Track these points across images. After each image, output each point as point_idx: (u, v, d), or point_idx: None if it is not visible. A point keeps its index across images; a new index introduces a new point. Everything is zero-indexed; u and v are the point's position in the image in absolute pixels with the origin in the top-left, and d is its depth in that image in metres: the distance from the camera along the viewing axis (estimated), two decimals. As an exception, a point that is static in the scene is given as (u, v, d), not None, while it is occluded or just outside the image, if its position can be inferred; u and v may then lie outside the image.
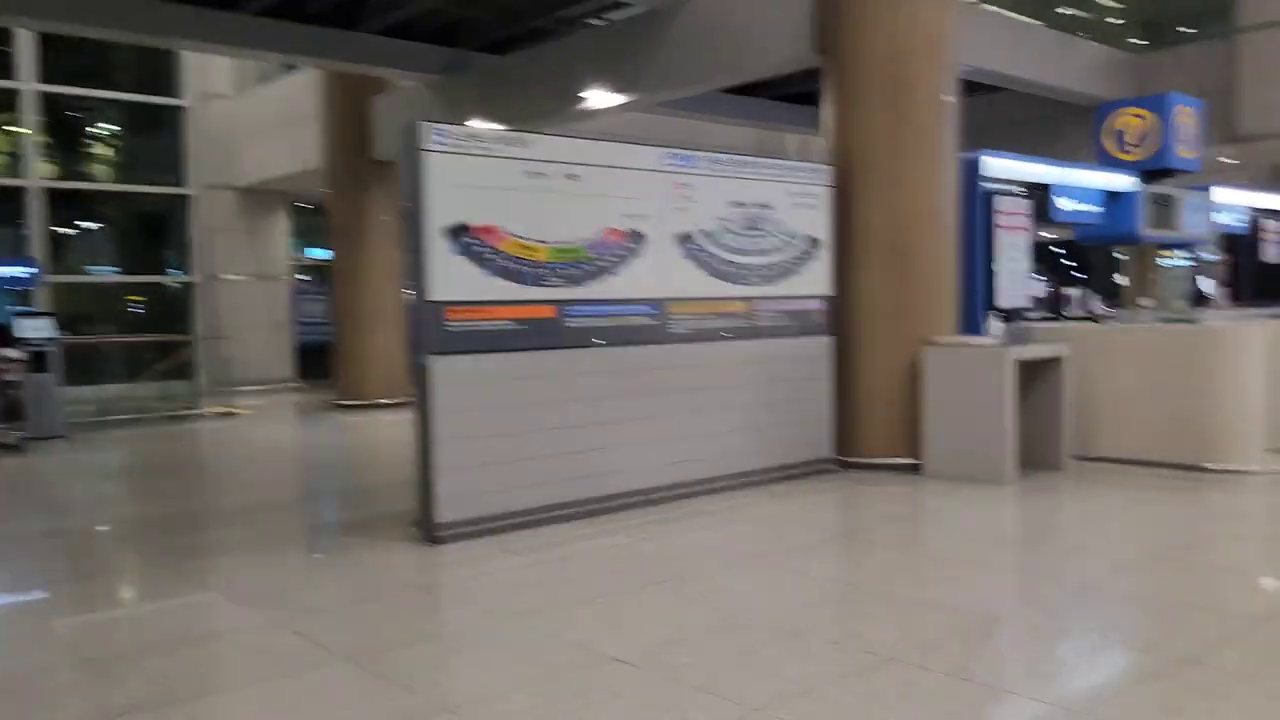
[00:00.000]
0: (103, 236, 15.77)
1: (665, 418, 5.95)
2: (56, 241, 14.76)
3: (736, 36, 8.20)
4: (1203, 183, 10.07)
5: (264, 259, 15.74)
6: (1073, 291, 9.08)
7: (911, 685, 3.10)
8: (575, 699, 3.05)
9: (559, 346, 5.49)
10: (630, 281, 5.77)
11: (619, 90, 9.17)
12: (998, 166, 7.64)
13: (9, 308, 11.11)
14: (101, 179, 15.22)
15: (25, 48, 13.65)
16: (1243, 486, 6.15)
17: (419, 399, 5.14)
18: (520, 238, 5.32)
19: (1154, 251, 11.40)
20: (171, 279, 15.51)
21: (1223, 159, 12.34)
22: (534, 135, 5.48)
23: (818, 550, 4.99)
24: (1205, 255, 11.23)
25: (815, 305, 6.77)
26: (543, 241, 5.41)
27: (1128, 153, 9.23)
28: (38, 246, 13.69)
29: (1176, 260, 11.76)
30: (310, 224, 17.17)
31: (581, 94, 9.45)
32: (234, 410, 11.94)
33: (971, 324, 7.18)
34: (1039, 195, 8.15)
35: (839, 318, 6.91)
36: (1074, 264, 9.26)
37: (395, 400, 11.54)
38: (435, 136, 5.03)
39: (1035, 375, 6.76)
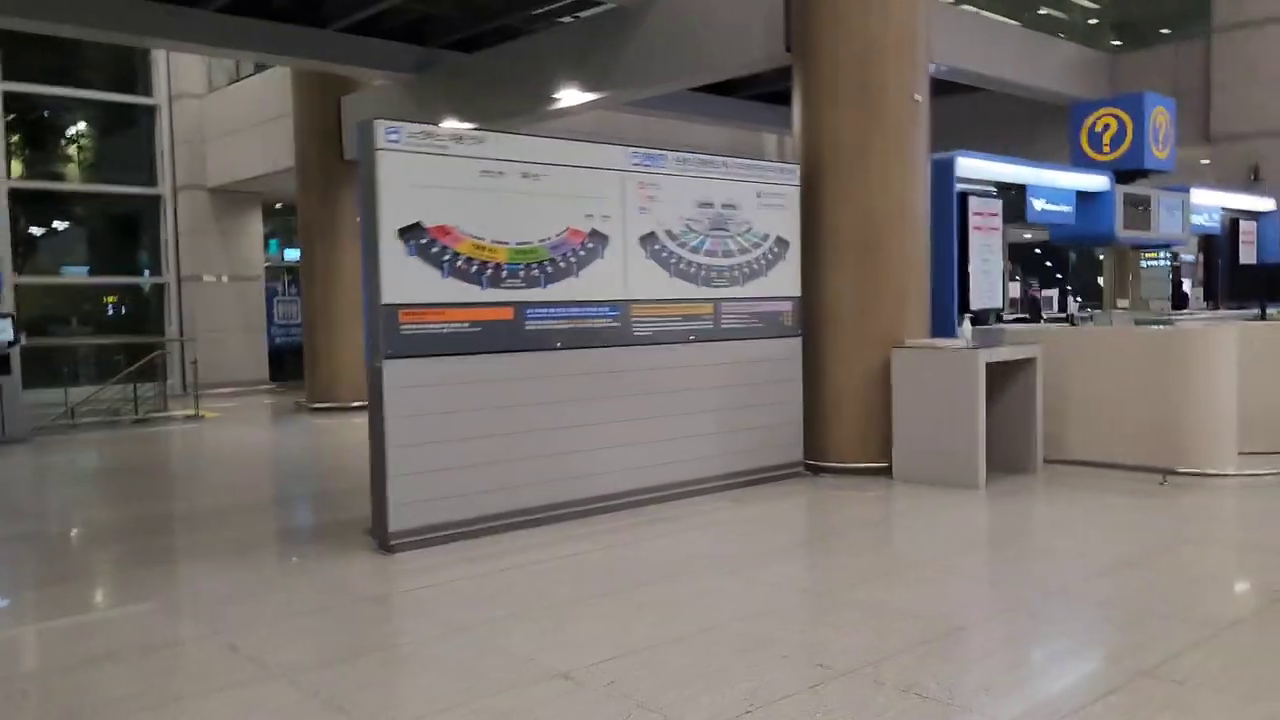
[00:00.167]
0: (73, 237, 15.55)
1: (629, 422, 5.83)
2: (26, 242, 14.54)
3: (706, 35, 8.10)
4: (1180, 183, 10.03)
5: (237, 260, 15.56)
6: (1049, 293, 9.04)
7: (864, 701, 3.00)
8: (508, 718, 2.93)
9: (518, 349, 5.37)
10: (592, 283, 5.65)
11: (589, 89, 9.06)
12: (971, 167, 7.55)
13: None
14: (71, 179, 15.00)
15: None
16: (1214, 490, 6.09)
17: (372, 403, 5.01)
18: (478, 238, 5.20)
19: (1135, 253, 11.37)
20: (143, 280, 15.30)
21: (1203, 161, 12.31)
22: (491, 134, 5.36)
23: (781, 556, 4.88)
24: (1186, 256, 11.21)
25: (784, 307, 6.67)
26: (501, 242, 5.29)
27: (1103, 153, 9.17)
28: (5, 248, 13.46)
29: (1157, 261, 11.75)
30: (286, 225, 17.01)
31: (552, 93, 9.34)
32: (203, 413, 11.76)
33: (944, 326, 7.09)
34: (1014, 196, 8.08)
35: (808, 319, 6.81)
36: (1054, 265, 9.21)
37: (367, 403, 11.36)
38: (389, 135, 4.90)
39: (1007, 378, 6.68)
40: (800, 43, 6.96)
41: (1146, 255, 11.72)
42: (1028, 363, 6.64)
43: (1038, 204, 8.18)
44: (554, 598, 4.16)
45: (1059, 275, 9.52)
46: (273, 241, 17.76)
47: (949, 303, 7.30)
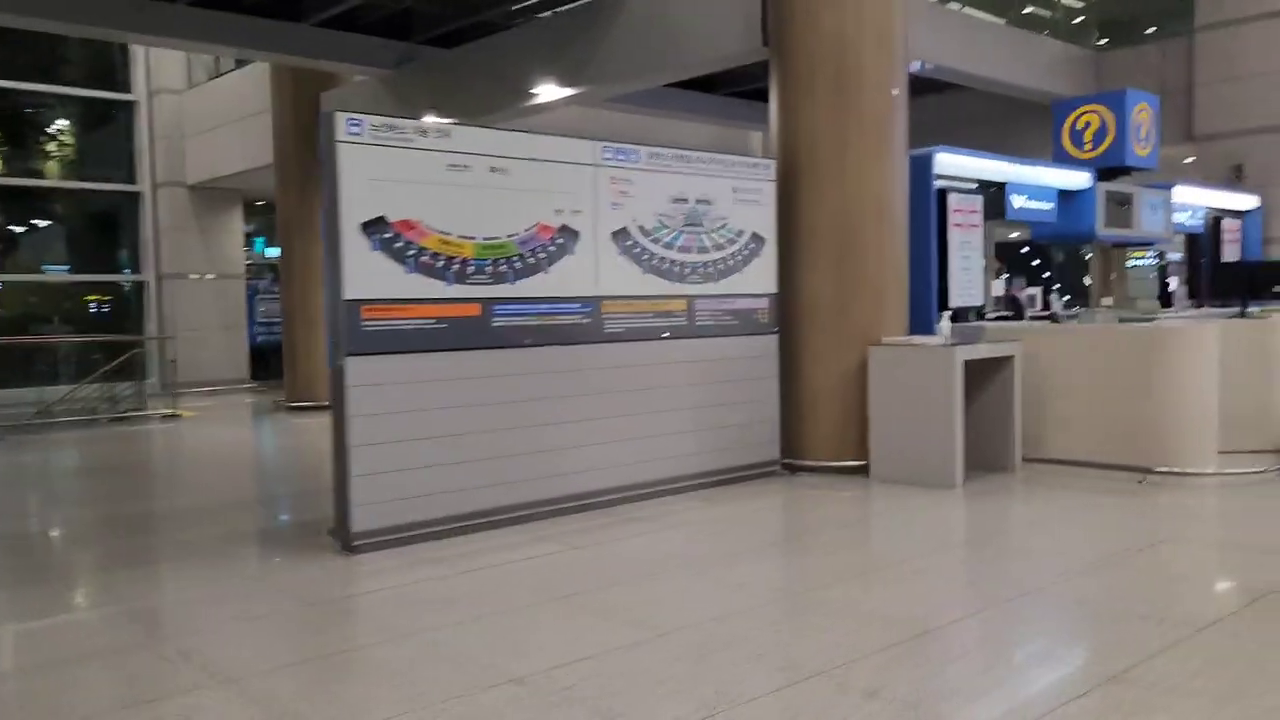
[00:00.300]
0: (52, 235, 15.38)
1: (600, 420, 5.73)
2: (6, 240, 14.37)
3: (683, 29, 8.02)
4: (1164, 181, 9.98)
5: (218, 258, 15.41)
6: (1032, 290, 8.96)
7: (828, 707, 2.91)
8: (460, 726, 2.83)
9: (485, 346, 5.26)
10: (562, 279, 5.55)
11: (566, 84, 8.96)
12: (951, 163, 7.48)
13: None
14: (50, 176, 14.83)
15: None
16: (1193, 489, 6.02)
17: (334, 402, 4.90)
18: (444, 233, 5.09)
19: (1122, 251, 11.32)
20: (122, 278, 15.13)
21: (1187, 160, 12.28)
22: (458, 127, 5.25)
23: (752, 557, 4.79)
24: (1172, 255, 11.16)
25: (760, 304, 6.58)
26: (468, 237, 5.19)
27: (1085, 150, 9.11)
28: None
29: (1144, 260, 11.69)
30: (270, 222, 16.85)
31: (530, 88, 9.24)
32: (179, 412, 11.62)
33: (923, 323, 7.01)
34: (994, 193, 8.01)
35: (785, 317, 6.72)
36: (1042, 264, 9.12)
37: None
38: (351, 127, 4.79)
39: (986, 376, 6.60)
40: (776, 37, 6.87)
41: (1134, 254, 11.67)
42: (1006, 361, 6.56)
43: (1018, 201, 8.12)
44: (516, 600, 4.06)
45: (1046, 274, 9.45)
46: (258, 239, 17.63)
47: (928, 300, 7.23)
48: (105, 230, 15.49)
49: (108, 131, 15.10)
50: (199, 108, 14.67)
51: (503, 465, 5.32)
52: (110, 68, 14.72)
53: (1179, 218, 10.00)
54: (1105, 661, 3.27)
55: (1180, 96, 11.98)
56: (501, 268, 5.31)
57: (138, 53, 14.44)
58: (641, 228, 5.93)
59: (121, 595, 4.38)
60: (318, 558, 4.80)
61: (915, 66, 10.39)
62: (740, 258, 6.47)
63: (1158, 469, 6.25)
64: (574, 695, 3.03)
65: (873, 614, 3.78)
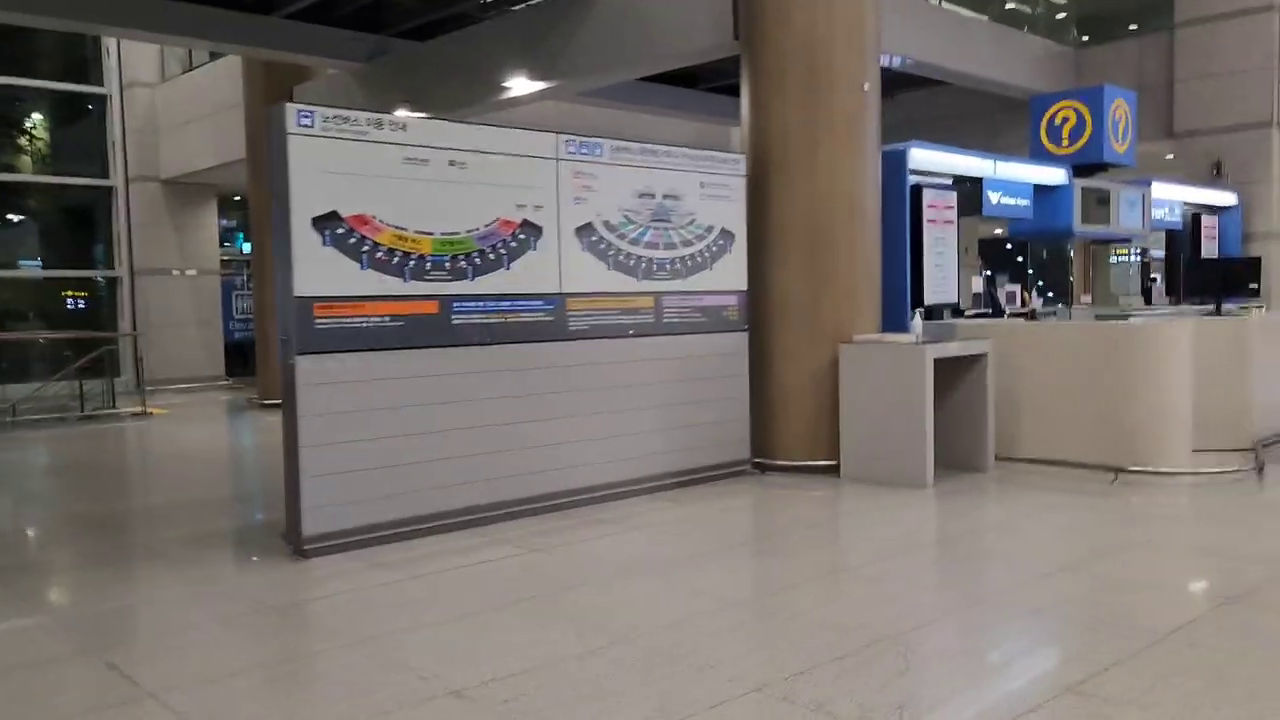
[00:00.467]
0: (26, 230, 15.16)
1: (564, 420, 5.62)
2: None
3: (654, 23, 7.90)
4: (1143, 177, 9.92)
5: (192, 253, 15.22)
6: (1012, 287, 8.89)
7: (769, 720, 2.81)
8: (390, 742, 2.72)
9: (444, 345, 5.14)
10: (524, 276, 5.44)
11: (539, 78, 8.84)
12: (925, 159, 7.40)
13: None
14: (23, 170, 14.61)
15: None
16: (1165, 489, 5.95)
17: (285, 401, 4.77)
18: (399, 229, 4.97)
19: (1106, 248, 11.26)
20: (94, 274, 14.93)
21: (1168, 157, 12.23)
22: (414, 119, 5.13)
23: (712, 560, 4.68)
24: (1155, 252, 11.11)
25: (729, 301, 6.47)
26: (426, 233, 5.06)
27: (1062, 146, 9.04)
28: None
29: (1126, 257, 11.64)
30: (246, 217, 16.67)
31: (502, 81, 9.10)
32: (150, 410, 11.45)
33: (897, 321, 6.92)
34: (970, 189, 7.93)
35: (755, 314, 6.62)
36: (1023, 260, 9.04)
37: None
38: (301, 119, 4.66)
39: (958, 374, 6.51)
40: (747, 31, 6.76)
41: (1117, 251, 11.62)
42: (979, 359, 6.48)
43: (994, 197, 8.04)
44: (465, 607, 3.95)
45: (1030, 270, 9.40)
46: (239, 235, 17.44)
47: (901, 297, 7.14)
48: (79, 225, 15.28)
49: (81, 126, 14.90)
50: (172, 102, 14.48)
51: (462, 466, 5.20)
52: (83, 61, 14.50)
53: (1157, 214, 9.94)
54: (1062, 672, 3.19)
55: (1160, 93, 11.93)
56: (461, 264, 5.20)
57: (110, 46, 14.24)
58: (607, 223, 5.82)
59: (57, 602, 4.26)
60: (269, 562, 4.68)
61: (895, 62, 10.32)
62: (709, 254, 6.36)
63: (1131, 468, 6.18)
64: (512, 710, 2.92)
65: (828, 621, 3.69)
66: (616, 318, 5.88)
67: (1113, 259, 11.90)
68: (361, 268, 4.85)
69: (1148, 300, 10.56)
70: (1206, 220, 10.85)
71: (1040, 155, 9.08)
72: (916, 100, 13.96)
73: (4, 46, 13.71)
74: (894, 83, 13.15)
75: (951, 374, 6.47)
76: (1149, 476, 6.11)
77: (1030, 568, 4.40)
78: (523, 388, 5.45)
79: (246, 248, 16.76)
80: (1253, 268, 8.55)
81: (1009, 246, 9.23)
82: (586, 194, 5.71)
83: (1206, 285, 8.14)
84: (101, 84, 14.46)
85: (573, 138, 5.67)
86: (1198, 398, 6.51)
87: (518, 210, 5.41)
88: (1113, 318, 7.29)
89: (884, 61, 10.21)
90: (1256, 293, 8.29)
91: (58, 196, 14.80)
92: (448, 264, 5.14)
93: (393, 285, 4.95)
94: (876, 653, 3.36)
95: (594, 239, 5.75)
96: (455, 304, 5.17)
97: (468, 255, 5.21)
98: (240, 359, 15.60)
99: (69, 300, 15.09)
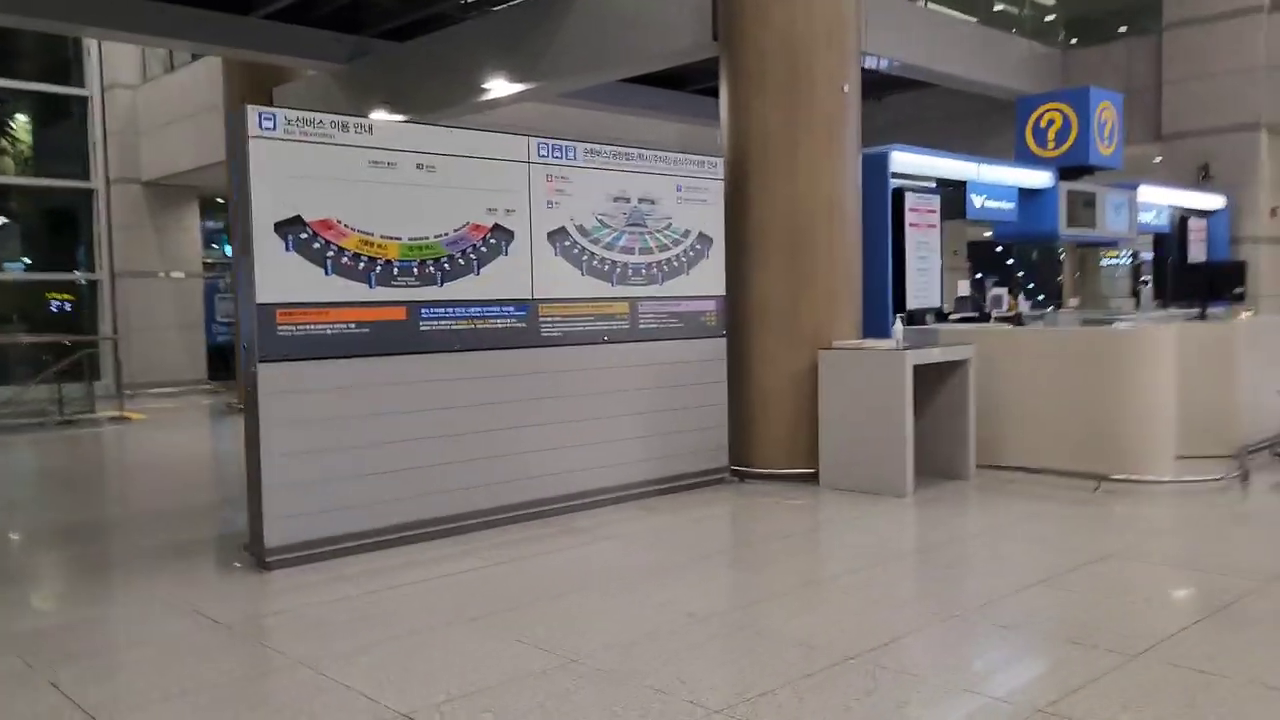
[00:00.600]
0: (8, 233, 15.01)
1: (536, 427, 5.52)
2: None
3: (634, 24, 7.80)
4: (1131, 180, 9.85)
5: (174, 256, 15.08)
6: (998, 291, 8.80)
7: (726, 746, 2.71)
8: (330, 770, 2.61)
9: (412, 352, 5.04)
10: (495, 281, 5.33)
11: (519, 79, 8.74)
12: (907, 161, 7.31)
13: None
14: (5, 172, 14.46)
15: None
16: (1148, 497, 5.86)
17: (247, 410, 4.67)
18: (365, 233, 4.86)
19: (1096, 251, 11.20)
20: (74, 276, 14.77)
21: (1156, 159, 12.17)
22: (380, 122, 5.02)
23: (685, 572, 4.58)
24: (1146, 255, 11.05)
25: (707, 306, 6.38)
26: (393, 238, 4.96)
27: (1048, 149, 8.96)
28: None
29: (1118, 260, 11.58)
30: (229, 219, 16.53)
31: (483, 83, 9.00)
32: (128, 415, 11.32)
33: (878, 326, 6.83)
34: (954, 192, 7.84)
35: (734, 320, 6.52)
36: (1014, 263, 8.96)
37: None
38: (263, 121, 4.55)
39: (940, 380, 6.42)
40: (726, 31, 6.67)
41: (1108, 254, 11.56)
42: (961, 364, 6.39)
43: (978, 200, 7.96)
44: (420, 622, 3.84)
45: (1021, 273, 9.34)
46: (223, 237, 17.30)
47: (883, 302, 7.05)
48: (61, 228, 15.14)
49: (62, 127, 14.75)
50: (153, 103, 14.35)
51: (431, 475, 5.10)
52: (64, 62, 14.36)
53: (1144, 217, 9.87)
54: (1033, 692, 3.09)
55: (1148, 95, 11.87)
56: (429, 269, 5.09)
57: (91, 47, 14.11)
58: (580, 227, 5.71)
59: (6, 617, 4.13)
60: (228, 575, 4.57)
61: (881, 64, 10.24)
62: (686, 258, 6.26)
63: (1113, 476, 6.09)
64: (461, 733, 2.82)
65: (797, 637, 3.59)
66: (591, 324, 5.78)
67: (1104, 262, 11.85)
68: (326, 273, 4.74)
69: (1138, 304, 10.50)
70: (1195, 223, 10.79)
71: (1026, 158, 9.00)
72: (904, 102, 13.90)
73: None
74: (882, 85, 13.10)
75: (933, 380, 6.38)
76: (1132, 485, 6.02)
77: (1007, 580, 4.31)
78: (494, 395, 5.34)
79: (229, 250, 16.65)
80: (1238, 272, 8.48)
81: (999, 249, 9.16)
82: (559, 198, 5.61)
83: (1191, 289, 8.06)
84: (83, 85, 14.31)
85: (545, 140, 5.57)
86: (1182, 403, 6.43)
87: (489, 214, 5.31)
88: (1098, 322, 7.21)
89: (871, 64, 10.17)
90: (1242, 297, 8.21)
91: (41, 198, 14.66)
92: (416, 269, 5.04)
93: (358, 291, 4.84)
94: (844, 671, 3.26)
95: (567, 244, 5.65)
96: (424, 310, 5.06)
97: (436, 260, 5.11)
98: (222, 362, 15.47)
99: (54, 303, 14.95)
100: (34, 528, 5.90)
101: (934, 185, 7.64)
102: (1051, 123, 8.92)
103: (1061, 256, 10.57)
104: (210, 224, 16.68)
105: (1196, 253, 10.79)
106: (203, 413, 12.41)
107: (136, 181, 14.53)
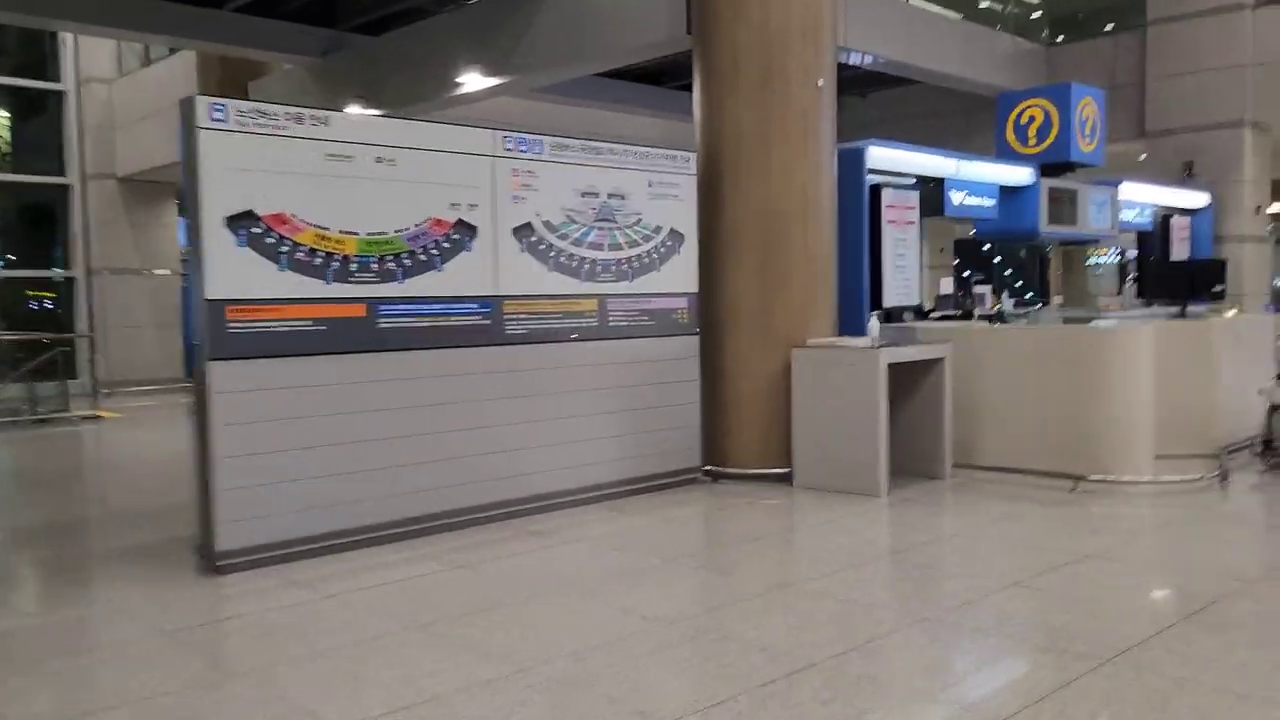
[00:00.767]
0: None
1: (502, 427, 5.39)
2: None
3: (608, 17, 7.69)
4: (1114, 177, 9.76)
5: (150, 253, 14.89)
6: (981, 289, 8.70)
7: (673, 761, 2.59)
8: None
9: (371, 350, 4.91)
10: (458, 278, 5.20)
11: (492, 73, 8.61)
12: (884, 157, 7.19)
13: None
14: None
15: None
16: (1125, 498, 5.77)
17: (197, 409, 4.53)
18: (322, 228, 4.73)
19: (1084, 249, 11.12)
20: (49, 273, 14.57)
21: (1141, 158, 12.10)
22: (338, 114, 4.88)
23: (649, 576, 4.46)
24: (1132, 252, 10.97)
25: (679, 304, 6.26)
26: (350, 233, 4.83)
27: (1029, 145, 8.86)
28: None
29: (1105, 258, 11.51)
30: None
31: (457, 76, 8.86)
32: (101, 414, 11.14)
33: (855, 324, 6.73)
34: (933, 189, 7.74)
35: (706, 317, 6.40)
36: (1001, 260, 8.85)
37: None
38: (214, 112, 4.42)
39: (916, 379, 6.32)
40: (700, 25, 6.54)
41: (1096, 252, 11.48)
42: (937, 363, 6.28)
43: (957, 197, 7.85)
44: (376, 629, 3.71)
45: (1008, 271, 9.27)
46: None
47: (860, 300, 6.94)
48: (39, 224, 14.93)
49: (37, 122, 14.55)
50: (130, 97, 14.16)
51: (392, 477, 4.97)
52: (39, 57, 14.16)
53: (1127, 215, 9.78)
54: (997, 702, 2.98)
55: (1132, 91, 11.80)
56: (389, 265, 4.96)
57: (67, 41, 13.91)
58: (547, 223, 5.59)
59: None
60: (177, 579, 4.43)
61: (865, 60, 10.14)
62: (657, 255, 6.14)
63: (1091, 476, 6.00)
64: (398, 748, 2.69)
65: (759, 643, 3.47)
66: (558, 321, 5.65)
67: (1091, 260, 11.78)
68: (280, 269, 4.61)
69: (1125, 302, 10.41)
70: (1179, 221, 10.70)
71: (1007, 154, 8.90)
72: (889, 99, 13.81)
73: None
74: (866, 81, 13.01)
75: (909, 378, 6.28)
76: (1110, 485, 5.93)
77: (978, 584, 4.20)
78: (457, 394, 5.22)
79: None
80: (1218, 270, 8.40)
81: (987, 248, 9.06)
82: (525, 193, 5.48)
83: (1171, 287, 7.97)
84: (58, 80, 14.11)
85: (510, 134, 5.44)
86: (1162, 403, 6.35)
87: (451, 209, 5.18)
88: (1079, 320, 7.11)
89: (854, 60, 10.07)
90: (1222, 295, 8.12)
91: (17, 194, 14.46)
92: (375, 265, 4.91)
93: (314, 288, 4.71)
94: (804, 679, 3.15)
95: (533, 239, 5.52)
96: (383, 307, 4.93)
97: (397, 256, 4.98)
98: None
99: (34, 300, 14.74)
100: (-12, 530, 5.75)
101: (913, 182, 7.53)
102: (1033, 119, 8.82)
103: (1049, 255, 10.49)
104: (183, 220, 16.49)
105: (1180, 251, 10.71)
106: (178, 411, 12.21)
107: (113, 177, 14.34)
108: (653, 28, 7.34)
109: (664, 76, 11.96)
